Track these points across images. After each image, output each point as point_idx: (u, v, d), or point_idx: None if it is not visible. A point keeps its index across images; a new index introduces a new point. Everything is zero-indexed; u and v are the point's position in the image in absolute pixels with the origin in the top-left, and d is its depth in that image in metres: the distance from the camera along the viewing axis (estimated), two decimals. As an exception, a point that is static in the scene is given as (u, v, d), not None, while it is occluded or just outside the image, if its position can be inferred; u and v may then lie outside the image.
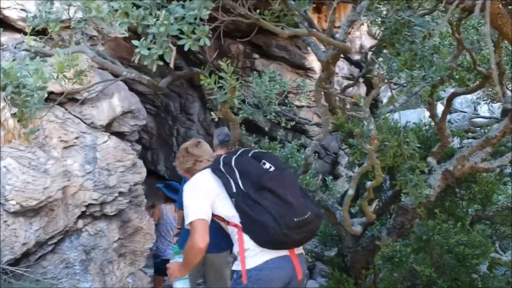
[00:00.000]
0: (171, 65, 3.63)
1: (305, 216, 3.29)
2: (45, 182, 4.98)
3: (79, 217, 5.53)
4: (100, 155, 5.68)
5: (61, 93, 5.64)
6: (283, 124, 6.88)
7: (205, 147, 3.94)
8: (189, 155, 3.87)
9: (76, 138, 5.59)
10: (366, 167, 3.91)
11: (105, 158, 5.70)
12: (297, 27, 3.81)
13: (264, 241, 3.31)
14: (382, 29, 4.02)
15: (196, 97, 18.17)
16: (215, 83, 3.44)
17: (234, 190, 3.36)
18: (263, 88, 6.10)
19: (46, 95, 5.55)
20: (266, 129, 7.09)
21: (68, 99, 5.68)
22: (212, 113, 3.76)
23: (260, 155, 3.57)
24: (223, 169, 3.46)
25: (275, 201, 3.28)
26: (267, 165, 3.48)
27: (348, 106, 6.37)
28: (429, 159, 4.93)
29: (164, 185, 7.66)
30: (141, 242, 6.06)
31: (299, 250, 3.50)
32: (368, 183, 3.92)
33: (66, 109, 5.68)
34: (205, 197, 3.43)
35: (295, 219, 3.24)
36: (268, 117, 6.43)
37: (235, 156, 3.52)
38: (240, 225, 3.36)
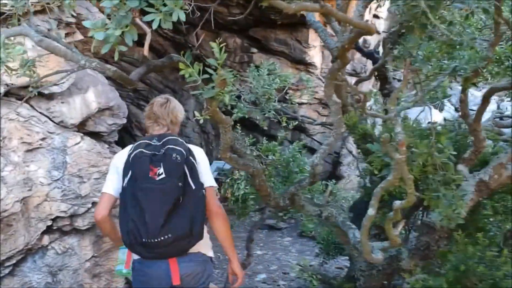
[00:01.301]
0: (145, 53, 2.75)
1: (157, 239, 3.12)
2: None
3: (44, 232, 4.66)
4: (71, 159, 4.80)
5: (25, 87, 4.79)
6: (284, 124, 6.01)
7: (170, 108, 3.55)
8: (151, 113, 3.56)
9: (42, 139, 4.71)
10: (392, 181, 3.04)
11: (77, 162, 4.82)
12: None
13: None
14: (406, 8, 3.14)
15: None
16: (199, 74, 2.56)
17: (123, 184, 3.26)
18: (261, 83, 5.25)
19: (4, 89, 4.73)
20: (265, 127, 6.21)
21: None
22: (196, 113, 2.87)
23: (165, 155, 3.24)
24: (129, 159, 3.31)
25: (137, 214, 3.13)
26: (160, 171, 3.20)
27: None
28: (460, 167, 4.05)
29: None
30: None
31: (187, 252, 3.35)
32: (397, 203, 3.05)
33: (31, 106, 4.80)
34: (116, 174, 3.35)
35: (143, 240, 3.11)
36: (267, 115, 5.58)
37: (140, 150, 3.27)
38: None
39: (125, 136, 19.08)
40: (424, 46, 3.60)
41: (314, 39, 14.06)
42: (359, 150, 5.07)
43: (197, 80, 2.52)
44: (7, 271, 4.35)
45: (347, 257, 8.99)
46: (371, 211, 3.19)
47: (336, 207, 4.35)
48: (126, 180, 3.23)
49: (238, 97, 5.47)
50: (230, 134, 3.21)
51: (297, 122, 6.28)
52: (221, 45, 2.45)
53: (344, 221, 4.13)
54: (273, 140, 5.77)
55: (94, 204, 4.89)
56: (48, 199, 4.61)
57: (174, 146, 3.31)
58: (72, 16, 6.16)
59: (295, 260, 10.85)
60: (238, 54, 15.15)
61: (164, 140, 3.35)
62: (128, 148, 3.44)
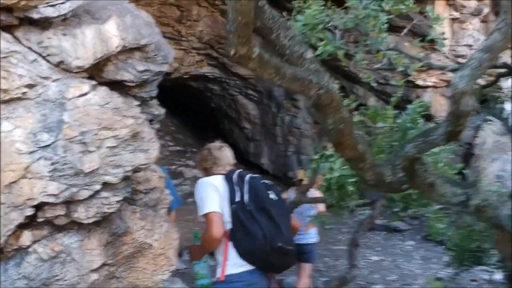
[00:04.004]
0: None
1: (288, 247, 3.57)
2: None
3: (22, 227, 2.95)
4: (71, 118, 3.06)
5: (9, 9, 3.14)
6: (400, 67, 3.87)
7: (226, 152, 4.04)
8: (210, 156, 4.03)
9: (28, 86, 3.03)
10: None
11: (80, 122, 3.08)
12: None
13: (246, 252, 3.56)
14: None
15: (303, 80, 15.49)
16: None
17: (238, 199, 3.61)
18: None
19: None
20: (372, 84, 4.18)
21: (20, 20, 3.13)
22: None
23: (268, 185, 3.79)
24: (234, 179, 3.72)
25: (268, 224, 3.52)
26: (272, 196, 3.70)
27: None
28: None
29: None
30: (148, 270, 3.38)
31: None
32: None
33: (15, 37, 3.12)
34: (217, 193, 3.65)
35: (279, 244, 3.48)
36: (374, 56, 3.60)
37: (250, 174, 3.80)
38: (228, 231, 3.61)
39: (234, 128, 17.59)
40: None
41: (441, 12, 11.84)
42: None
43: None
44: (-49, 285, 2.68)
45: (484, 267, 6.97)
46: None
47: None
48: (242, 196, 3.59)
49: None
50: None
51: (421, 66, 4.18)
52: None
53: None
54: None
55: (105, 185, 3.12)
56: (29, 176, 2.91)
57: (264, 180, 3.85)
58: None
59: (419, 269, 9.15)
60: (352, 32, 13.17)
61: (244, 174, 3.79)
62: (219, 176, 3.80)
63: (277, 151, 16.31)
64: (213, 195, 3.61)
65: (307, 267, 7.39)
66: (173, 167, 14.86)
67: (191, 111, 18.74)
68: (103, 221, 3.17)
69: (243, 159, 17.48)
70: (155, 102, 3.80)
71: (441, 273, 8.50)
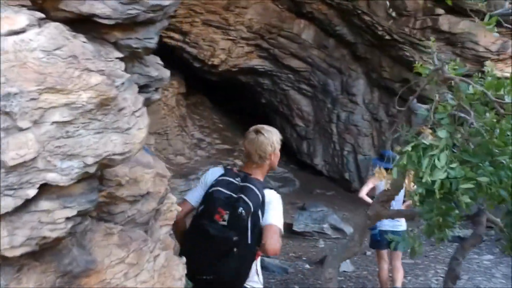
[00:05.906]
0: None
1: (203, 277, 3.23)
2: None
3: None
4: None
5: None
6: None
7: (258, 144, 3.45)
8: (244, 148, 3.68)
9: None
10: None
11: (7, 78, 1.70)
12: None
13: None
14: None
15: (361, 72, 13.92)
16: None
17: (198, 210, 3.40)
18: None
19: None
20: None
21: None
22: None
23: (235, 206, 3.25)
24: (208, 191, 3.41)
25: (192, 247, 3.24)
26: (226, 217, 3.24)
27: None
28: None
29: (378, 157, 7.23)
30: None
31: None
32: None
33: None
34: (201, 189, 3.47)
35: (189, 273, 3.02)
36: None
37: (218, 188, 3.34)
38: None
39: (286, 126, 16.12)
40: None
41: (525, 0, 10.29)
42: None
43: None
44: None
45: None
46: None
47: None
48: (199, 209, 3.37)
49: None
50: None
51: None
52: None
53: None
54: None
55: (47, 189, 1.73)
56: None
57: (246, 198, 3.26)
58: None
59: (502, 290, 7.90)
60: (418, 18, 11.65)
61: (244, 183, 3.33)
62: (219, 171, 3.54)
63: (332, 150, 14.78)
64: (199, 187, 3.52)
65: (399, 253, 7.18)
66: (220, 166, 13.58)
67: (240, 108, 17.41)
68: (46, 252, 1.78)
69: (295, 159, 16.04)
70: (154, 58, 2.39)
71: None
